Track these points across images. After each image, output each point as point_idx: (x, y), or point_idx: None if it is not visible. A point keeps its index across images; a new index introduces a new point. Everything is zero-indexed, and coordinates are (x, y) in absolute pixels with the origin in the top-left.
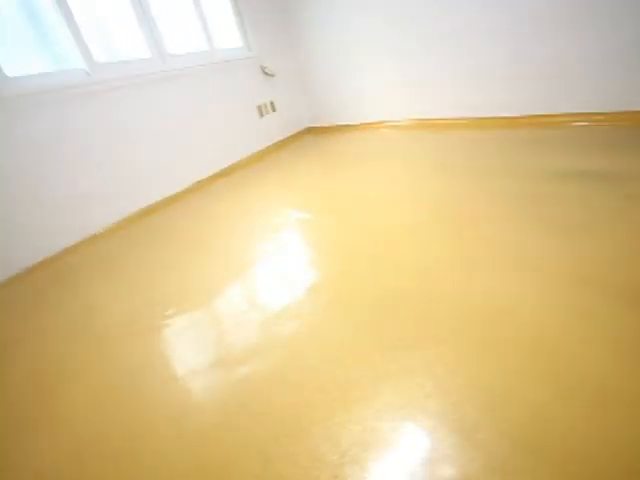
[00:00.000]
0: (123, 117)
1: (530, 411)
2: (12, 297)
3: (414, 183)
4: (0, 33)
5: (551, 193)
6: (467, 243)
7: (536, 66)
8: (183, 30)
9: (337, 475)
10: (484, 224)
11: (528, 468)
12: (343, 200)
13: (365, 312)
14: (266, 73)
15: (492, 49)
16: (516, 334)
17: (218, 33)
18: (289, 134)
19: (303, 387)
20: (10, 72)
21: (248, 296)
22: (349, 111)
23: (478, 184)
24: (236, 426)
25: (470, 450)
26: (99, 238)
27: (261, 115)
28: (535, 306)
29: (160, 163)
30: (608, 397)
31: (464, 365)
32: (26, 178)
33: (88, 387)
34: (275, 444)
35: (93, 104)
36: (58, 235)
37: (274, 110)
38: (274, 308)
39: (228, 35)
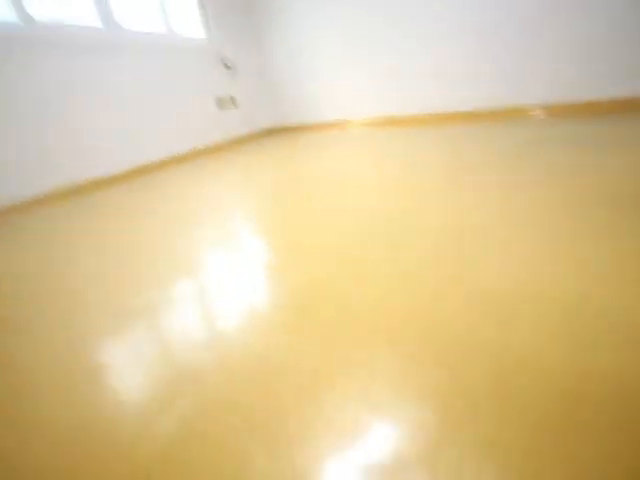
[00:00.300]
0: (63, 78)
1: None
2: None
3: (385, 172)
4: None
5: (535, 149)
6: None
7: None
8: (141, 8)
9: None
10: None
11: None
12: (300, 187)
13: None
14: (227, 66)
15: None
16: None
17: (179, 18)
18: (251, 131)
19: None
20: None
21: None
22: (314, 110)
23: (458, 156)
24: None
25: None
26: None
27: (221, 108)
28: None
29: (105, 136)
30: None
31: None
32: None
33: None
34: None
35: (29, 58)
36: None
37: (235, 105)
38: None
39: (189, 23)
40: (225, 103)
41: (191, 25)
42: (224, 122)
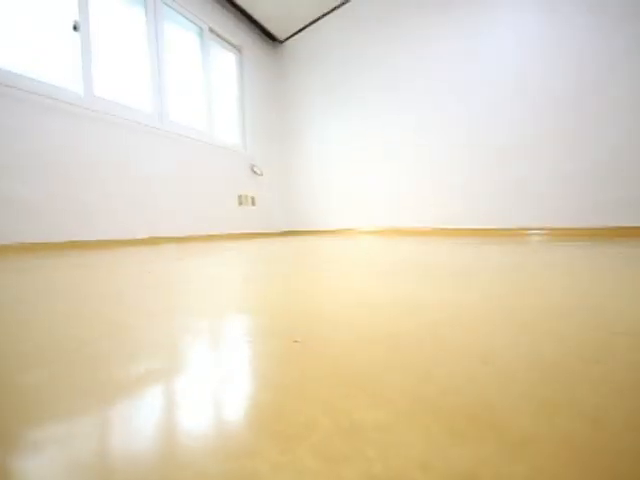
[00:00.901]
0: (102, 151)
1: None
2: None
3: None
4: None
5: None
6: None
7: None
8: (190, 108)
9: None
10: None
11: None
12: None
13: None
14: (254, 172)
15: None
16: None
17: (220, 124)
18: (265, 229)
19: None
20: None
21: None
22: (325, 218)
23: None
24: None
25: None
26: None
27: (240, 203)
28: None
29: (129, 205)
30: None
31: None
32: None
33: None
34: None
35: (83, 127)
36: None
37: (253, 204)
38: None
39: (229, 129)
40: (245, 200)
41: (230, 131)
42: (241, 217)
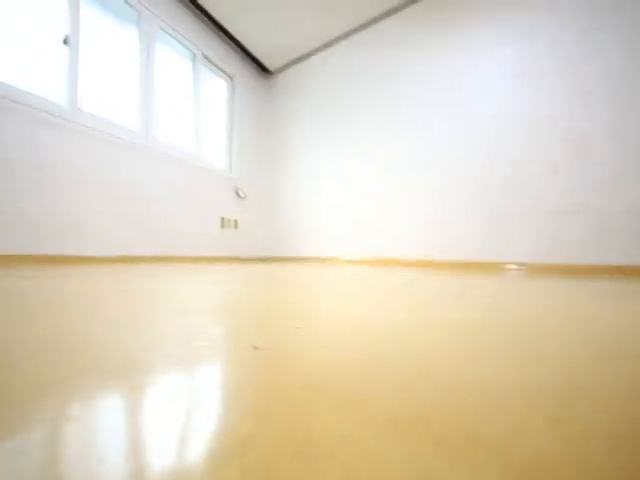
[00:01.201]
0: (86, 164)
1: None
2: None
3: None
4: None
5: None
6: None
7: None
8: (178, 129)
9: None
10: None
11: None
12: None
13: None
14: (239, 195)
15: (447, 203)
16: None
17: (207, 146)
18: (245, 254)
19: None
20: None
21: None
22: (308, 245)
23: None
24: None
25: None
26: None
27: (222, 226)
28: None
29: (106, 220)
30: None
31: None
32: None
33: None
34: None
35: (69, 141)
36: None
37: (236, 227)
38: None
39: (215, 152)
40: (228, 223)
41: (217, 153)
42: (223, 240)
